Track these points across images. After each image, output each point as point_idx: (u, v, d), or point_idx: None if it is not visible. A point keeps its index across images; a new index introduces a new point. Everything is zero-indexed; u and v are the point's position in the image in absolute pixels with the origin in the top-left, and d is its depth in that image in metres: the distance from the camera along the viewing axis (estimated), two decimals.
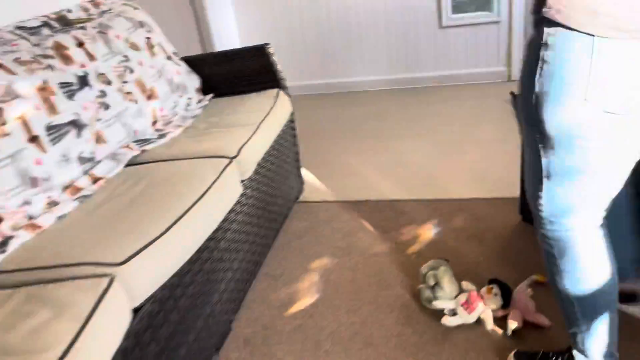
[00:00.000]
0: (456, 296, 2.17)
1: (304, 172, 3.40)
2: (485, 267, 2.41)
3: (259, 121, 2.53)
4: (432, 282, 2.22)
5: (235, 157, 2.23)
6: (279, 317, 2.26)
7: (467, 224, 2.71)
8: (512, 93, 4.45)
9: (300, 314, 2.27)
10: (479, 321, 2.10)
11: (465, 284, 2.17)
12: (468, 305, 2.10)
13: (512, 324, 2.00)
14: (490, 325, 2.05)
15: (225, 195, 2.07)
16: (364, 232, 2.74)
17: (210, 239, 1.96)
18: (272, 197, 2.67)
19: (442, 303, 2.15)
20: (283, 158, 2.85)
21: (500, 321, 2.09)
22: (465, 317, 2.09)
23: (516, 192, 2.75)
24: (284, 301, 2.35)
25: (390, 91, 4.70)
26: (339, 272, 2.49)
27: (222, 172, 2.10)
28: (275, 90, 2.85)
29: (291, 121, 2.97)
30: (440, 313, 2.15)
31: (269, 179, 2.63)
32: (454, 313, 2.14)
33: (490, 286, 2.11)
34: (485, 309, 2.09)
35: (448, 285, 2.17)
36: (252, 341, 2.16)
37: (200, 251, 1.87)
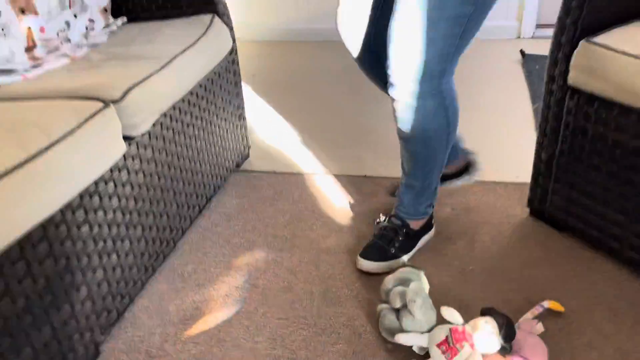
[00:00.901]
0: (431, 329, 1.46)
1: (254, 133, 2.64)
2: (476, 283, 1.69)
3: (172, 55, 1.76)
4: (397, 304, 1.51)
5: (116, 101, 1.48)
6: (174, 340, 1.55)
7: (454, 216, 1.99)
8: (522, 52, 3.72)
9: (205, 338, 1.56)
10: None
11: (447, 312, 1.46)
12: (448, 346, 1.39)
13: None
14: None
15: (89, 153, 1.34)
16: (318, 218, 2.02)
17: (60, 219, 1.25)
18: (192, 162, 1.93)
19: (410, 338, 1.45)
20: (215, 111, 2.09)
21: None
22: None
23: (524, 178, 2.03)
24: (186, 314, 1.64)
25: None
26: (273, 274, 1.78)
27: (86, 120, 1.35)
28: (209, 17, 2.07)
29: (232, 62, 2.20)
30: (406, 352, 1.45)
31: (188, 137, 1.88)
32: (426, 355, 1.44)
33: (484, 319, 1.39)
34: (473, 354, 1.38)
35: (420, 311, 1.46)
36: None
37: (34, 239, 1.16)
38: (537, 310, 1.55)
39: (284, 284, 1.73)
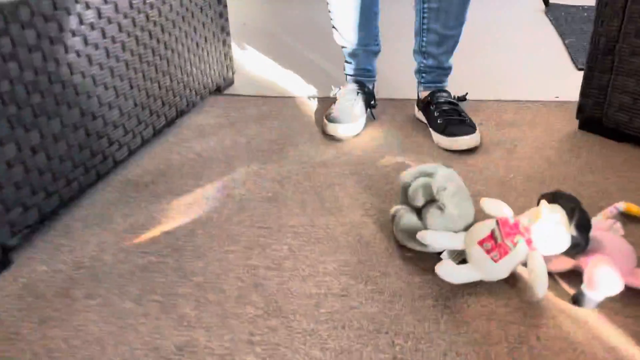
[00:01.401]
0: (467, 228, 1.05)
1: (243, 70, 2.23)
2: (519, 190, 1.29)
3: None
4: (420, 201, 1.10)
5: None
6: (115, 250, 1.14)
7: (485, 130, 1.59)
8: (545, 0, 3.37)
9: (157, 247, 1.15)
10: (515, 277, 1.00)
11: (491, 204, 1.05)
12: (495, 243, 0.98)
13: (600, 290, 0.89)
14: (540, 288, 0.93)
15: None
16: (313, 135, 1.61)
17: None
18: (158, 59, 1.53)
19: (439, 237, 1.03)
20: (193, 21, 1.69)
21: (567, 279, 0.98)
22: (485, 268, 0.98)
23: (566, 97, 1.64)
24: (136, 223, 1.23)
25: None
26: (253, 184, 1.37)
27: None
28: None
29: None
30: (430, 259, 1.03)
31: (160, 33, 1.48)
32: (461, 259, 1.03)
33: (546, 206, 0.98)
34: (532, 255, 0.96)
35: (453, 200, 1.05)
36: (39, 289, 1.03)
37: None
38: (610, 212, 1.13)
39: (267, 194, 1.32)
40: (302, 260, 1.08)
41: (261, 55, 2.44)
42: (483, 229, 1.01)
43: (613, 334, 0.88)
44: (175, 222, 1.22)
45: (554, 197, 1.00)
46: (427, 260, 1.07)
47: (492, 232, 0.98)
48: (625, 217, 1.15)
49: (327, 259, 1.09)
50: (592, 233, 0.98)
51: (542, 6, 3.12)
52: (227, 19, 1.99)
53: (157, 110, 1.58)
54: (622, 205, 1.15)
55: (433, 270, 1.03)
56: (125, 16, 1.39)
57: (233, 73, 2.09)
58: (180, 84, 1.70)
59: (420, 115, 1.66)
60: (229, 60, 2.03)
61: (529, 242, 0.97)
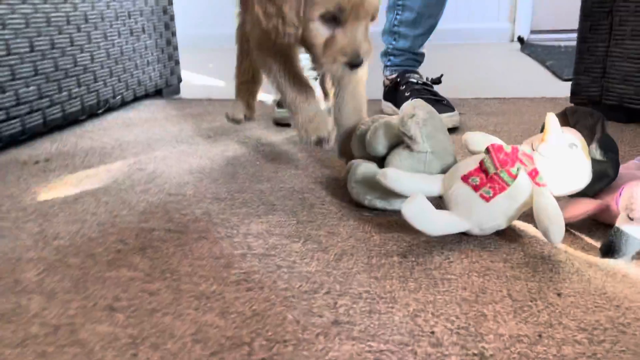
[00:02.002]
0: (446, 170, 0.76)
1: (191, 86, 1.99)
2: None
3: None
4: (382, 145, 0.82)
5: None
6: None
7: (478, 117, 1.33)
8: (520, 38, 3.25)
9: (23, 213, 0.82)
10: (517, 231, 0.70)
11: (476, 138, 0.77)
12: (486, 176, 0.68)
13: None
14: (555, 233, 0.63)
15: None
16: (260, 123, 1.32)
17: None
18: (79, 39, 1.28)
19: (404, 178, 0.73)
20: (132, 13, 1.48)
21: (588, 231, 0.68)
22: (474, 211, 0.68)
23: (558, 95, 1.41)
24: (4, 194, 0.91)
25: None
26: (178, 160, 1.07)
27: None
28: None
29: None
30: (393, 218, 0.73)
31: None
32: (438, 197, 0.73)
33: (556, 123, 0.69)
34: (539, 190, 0.67)
35: (425, 130, 0.76)
36: None
37: None
38: (634, 164, 0.85)
39: (189, 167, 1.02)
40: (218, 223, 0.77)
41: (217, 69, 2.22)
42: (469, 162, 0.72)
43: None
44: (56, 193, 0.91)
45: (565, 116, 0.72)
46: (393, 216, 0.77)
47: (482, 163, 0.69)
48: None
49: (253, 220, 0.78)
50: (625, 179, 0.70)
51: (518, 45, 3.02)
52: (172, 17, 1.77)
53: (71, 92, 1.30)
54: None
55: (399, 226, 0.73)
56: None
57: (179, 80, 1.84)
58: (106, 72, 1.44)
59: (386, 105, 1.40)
60: (173, 63, 1.80)
61: (533, 174, 0.68)
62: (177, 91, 1.85)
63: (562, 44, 2.83)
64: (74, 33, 1.32)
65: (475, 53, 2.83)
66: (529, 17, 3.42)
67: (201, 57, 2.81)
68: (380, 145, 0.81)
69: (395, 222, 0.75)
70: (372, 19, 0.80)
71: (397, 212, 0.73)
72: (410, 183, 0.72)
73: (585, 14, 1.28)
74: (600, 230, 0.70)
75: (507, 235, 0.71)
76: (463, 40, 3.38)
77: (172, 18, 1.77)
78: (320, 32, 0.78)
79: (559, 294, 0.57)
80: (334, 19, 0.76)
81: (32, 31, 1.18)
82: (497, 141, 0.73)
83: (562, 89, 1.53)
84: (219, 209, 0.82)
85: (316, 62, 0.81)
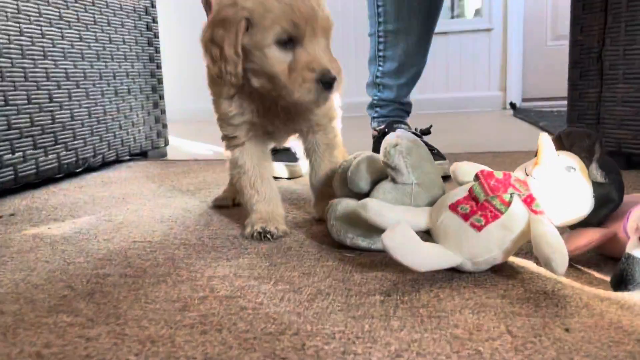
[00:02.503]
0: (433, 202, 0.69)
1: (180, 150, 1.96)
2: None
3: None
4: (364, 180, 0.75)
5: None
6: None
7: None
8: (512, 104, 3.27)
9: None
10: (514, 267, 0.62)
11: (468, 168, 0.70)
12: (476, 204, 0.61)
13: None
14: (557, 262, 0.55)
15: None
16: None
17: None
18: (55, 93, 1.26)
19: (387, 210, 0.66)
20: (117, 67, 1.48)
21: (595, 265, 0.60)
22: (465, 243, 0.60)
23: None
24: None
25: None
26: (152, 211, 1.00)
27: None
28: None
29: (150, 21, 1.66)
30: (383, 255, 0.64)
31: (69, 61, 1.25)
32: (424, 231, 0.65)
33: (550, 145, 0.63)
34: (536, 218, 0.60)
35: (409, 160, 0.70)
36: None
37: None
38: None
39: (162, 217, 0.95)
40: (181, 267, 0.69)
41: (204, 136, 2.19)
42: (457, 192, 0.65)
43: None
44: (12, 244, 0.83)
45: (560, 140, 0.67)
46: (378, 256, 0.69)
47: (471, 190, 0.63)
48: None
49: (221, 264, 0.70)
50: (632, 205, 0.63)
51: (511, 111, 3.03)
52: (160, 81, 1.76)
53: (47, 149, 1.26)
54: None
55: (383, 265, 0.65)
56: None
57: (166, 143, 1.81)
58: (87, 131, 1.40)
59: None
60: (160, 126, 1.77)
61: (528, 200, 0.61)
62: (164, 154, 1.81)
63: (554, 109, 2.84)
64: (54, 89, 1.29)
65: (468, 119, 2.84)
66: (519, 85, 3.47)
67: (196, 127, 2.81)
68: (362, 181, 0.75)
69: (379, 262, 0.67)
70: (328, 36, 0.75)
71: (382, 252, 0.66)
72: (394, 215, 0.65)
73: (574, 61, 1.25)
74: (610, 264, 0.62)
75: (505, 271, 0.62)
76: (456, 109, 3.41)
77: (160, 81, 1.77)
78: (279, 58, 0.72)
79: (567, 330, 0.48)
80: (290, 41, 0.71)
81: (8, 85, 1.15)
82: (487, 169, 0.67)
83: None
84: (184, 254, 0.74)
85: (284, 93, 0.73)
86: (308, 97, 0.71)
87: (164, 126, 1.80)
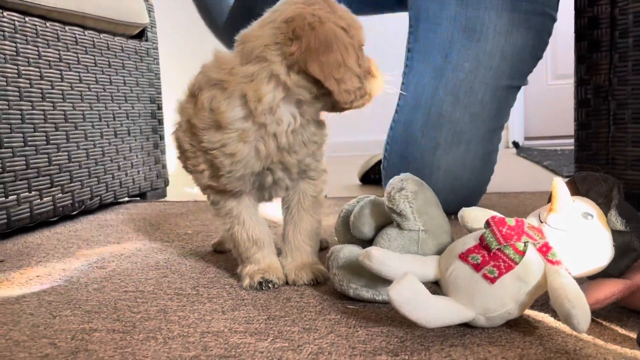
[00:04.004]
0: (441, 251, 0.65)
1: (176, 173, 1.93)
2: None
3: None
4: (368, 226, 0.71)
5: None
6: None
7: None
8: (515, 143, 3.24)
9: None
10: (531, 323, 0.57)
11: (477, 214, 0.67)
12: (488, 254, 0.57)
13: None
14: (579, 318, 0.50)
15: None
16: None
17: None
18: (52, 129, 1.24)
19: (392, 259, 0.61)
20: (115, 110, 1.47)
21: (617, 320, 0.56)
22: (477, 296, 0.56)
23: None
24: None
25: None
26: (143, 256, 0.96)
27: None
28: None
29: (152, 62, 1.66)
30: (389, 309, 0.60)
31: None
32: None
33: (565, 190, 0.60)
34: (553, 269, 0.56)
35: (415, 205, 0.66)
36: None
37: None
38: None
39: (151, 262, 0.91)
40: (173, 321, 0.65)
41: None
42: (466, 240, 0.61)
43: None
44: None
45: (574, 184, 0.63)
46: (383, 308, 0.65)
47: (482, 238, 0.59)
48: None
49: (216, 317, 0.65)
50: None
51: (514, 150, 3.01)
52: (160, 121, 1.75)
53: (41, 191, 1.23)
54: None
55: (389, 319, 0.61)
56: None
57: (166, 184, 1.78)
58: (85, 173, 1.38)
59: None
60: (160, 167, 1.74)
61: (544, 249, 0.57)
62: (164, 195, 1.78)
63: (558, 148, 2.82)
64: (51, 131, 1.27)
65: None
66: (521, 124, 3.46)
67: None
68: (366, 226, 0.71)
69: (385, 315, 0.63)
70: None
71: (387, 304, 0.62)
72: (400, 265, 0.61)
73: (581, 100, 1.23)
74: (634, 318, 0.58)
75: (521, 326, 0.58)
76: None
77: (160, 122, 1.75)
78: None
79: None
80: None
81: (4, 127, 1.13)
82: (498, 215, 0.63)
83: None
84: (178, 306, 0.70)
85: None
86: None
87: (164, 167, 1.77)
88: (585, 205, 0.59)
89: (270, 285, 0.74)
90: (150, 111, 1.70)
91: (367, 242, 0.72)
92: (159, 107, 1.75)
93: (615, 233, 0.57)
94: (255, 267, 0.76)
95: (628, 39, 1.13)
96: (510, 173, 2.06)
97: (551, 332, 0.56)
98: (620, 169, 1.16)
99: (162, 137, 1.76)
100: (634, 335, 0.53)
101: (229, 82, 0.68)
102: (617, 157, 1.17)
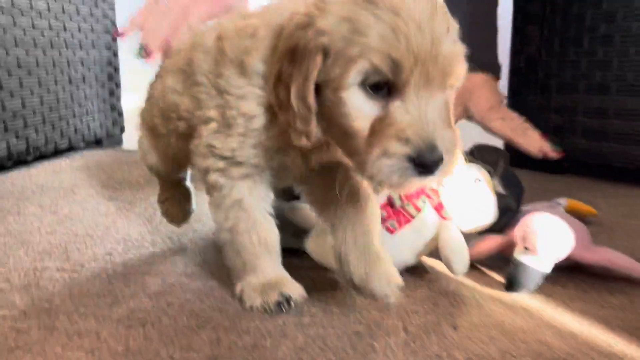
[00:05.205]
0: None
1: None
2: None
3: None
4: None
5: None
6: None
7: None
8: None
9: None
10: (424, 268, 0.67)
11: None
12: (392, 209, 0.67)
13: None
14: (458, 264, 0.62)
15: None
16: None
17: None
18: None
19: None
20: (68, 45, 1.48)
21: (497, 269, 0.67)
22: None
23: None
24: None
25: None
26: (90, 207, 1.02)
27: None
28: None
29: (107, 7, 1.66)
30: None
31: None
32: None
33: (467, 161, 0.70)
34: (444, 226, 0.66)
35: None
36: None
37: None
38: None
39: (102, 209, 0.98)
40: (118, 262, 0.73)
41: None
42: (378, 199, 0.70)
43: (567, 321, 0.56)
44: None
45: (472, 153, 0.73)
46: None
47: (389, 197, 0.68)
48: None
49: (157, 260, 0.74)
50: (527, 213, 0.69)
51: None
52: (116, 69, 1.77)
53: None
54: (563, 201, 0.87)
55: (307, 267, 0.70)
56: None
57: (122, 131, 1.82)
58: (39, 119, 1.41)
59: None
60: (116, 114, 1.78)
61: (438, 207, 0.66)
62: (120, 142, 1.82)
63: None
64: (4, 77, 1.29)
65: None
66: None
67: None
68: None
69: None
70: (452, 85, 0.49)
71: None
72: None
73: (514, 69, 1.32)
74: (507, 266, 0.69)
75: (416, 272, 0.68)
76: None
77: (116, 70, 1.77)
78: (361, 108, 0.48)
79: (454, 327, 0.54)
80: (385, 84, 0.47)
81: None
82: None
83: None
84: (123, 250, 0.78)
85: (356, 161, 0.50)
86: (388, 178, 0.47)
87: (120, 114, 1.81)
88: (476, 171, 0.69)
89: (291, 304, 0.57)
90: (106, 58, 1.72)
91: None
92: (115, 54, 1.76)
93: (498, 196, 0.68)
94: (262, 279, 0.59)
95: (556, 15, 1.21)
96: None
97: (439, 276, 0.67)
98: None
99: (118, 85, 1.79)
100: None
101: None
102: (542, 124, 1.28)
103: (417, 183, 0.47)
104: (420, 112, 0.46)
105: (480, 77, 1.11)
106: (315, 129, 0.50)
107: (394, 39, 0.44)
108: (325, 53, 0.48)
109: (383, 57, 0.45)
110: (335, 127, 0.50)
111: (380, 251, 0.57)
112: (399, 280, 0.56)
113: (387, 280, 0.56)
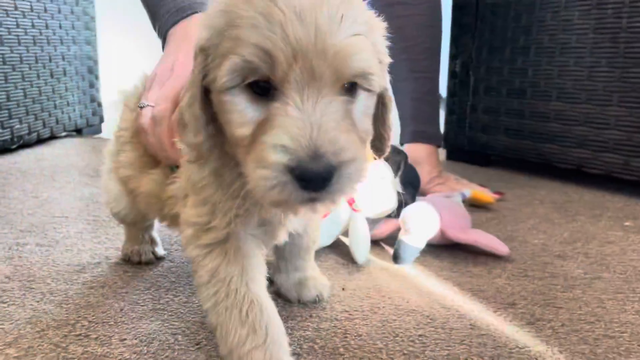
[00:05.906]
0: None
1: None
2: None
3: None
4: None
5: None
6: None
7: None
8: None
9: None
10: (337, 243, 0.83)
11: None
12: None
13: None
14: (359, 253, 0.79)
15: None
16: None
17: None
18: None
19: None
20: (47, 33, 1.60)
21: (394, 241, 0.84)
22: None
23: None
24: None
25: None
26: (73, 190, 1.17)
27: None
28: None
29: (87, 5, 1.78)
30: None
31: None
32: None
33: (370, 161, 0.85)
34: (353, 215, 0.83)
35: None
36: None
37: None
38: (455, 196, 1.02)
39: (77, 194, 1.13)
40: (87, 239, 0.88)
41: None
42: None
43: (432, 284, 0.72)
44: None
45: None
46: None
47: None
48: (473, 207, 1.04)
49: (121, 238, 0.89)
50: (425, 199, 0.86)
51: None
52: (95, 62, 1.90)
53: None
54: (468, 192, 1.04)
55: None
56: None
57: (101, 121, 1.96)
58: (22, 110, 1.54)
59: None
60: (95, 105, 1.91)
61: (351, 202, 0.82)
62: (99, 131, 1.95)
63: None
64: None
65: None
66: None
67: None
68: None
69: None
70: (362, 85, 0.42)
71: None
72: None
73: (451, 72, 1.48)
74: None
75: (335, 248, 0.84)
76: None
77: (96, 62, 1.90)
78: (242, 111, 0.42)
79: (343, 288, 0.70)
80: (270, 85, 0.40)
81: None
82: None
83: None
84: (92, 229, 0.93)
85: (246, 175, 0.42)
86: (267, 194, 0.39)
87: (99, 105, 1.94)
88: (383, 169, 0.84)
89: None
90: (85, 53, 1.84)
91: None
92: (95, 49, 1.89)
93: (397, 193, 0.84)
94: None
95: (485, 27, 1.37)
96: None
97: (349, 252, 0.83)
98: (475, 132, 1.43)
99: (97, 77, 1.92)
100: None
101: None
102: (473, 123, 1.44)
103: (304, 202, 0.39)
104: (304, 113, 0.38)
105: (425, 150, 1.15)
106: (206, 141, 0.45)
107: (266, 29, 0.38)
108: (207, 52, 0.43)
109: (255, 50, 0.38)
110: (229, 138, 0.44)
111: (309, 274, 0.65)
112: (325, 280, 0.67)
113: (315, 287, 0.64)
